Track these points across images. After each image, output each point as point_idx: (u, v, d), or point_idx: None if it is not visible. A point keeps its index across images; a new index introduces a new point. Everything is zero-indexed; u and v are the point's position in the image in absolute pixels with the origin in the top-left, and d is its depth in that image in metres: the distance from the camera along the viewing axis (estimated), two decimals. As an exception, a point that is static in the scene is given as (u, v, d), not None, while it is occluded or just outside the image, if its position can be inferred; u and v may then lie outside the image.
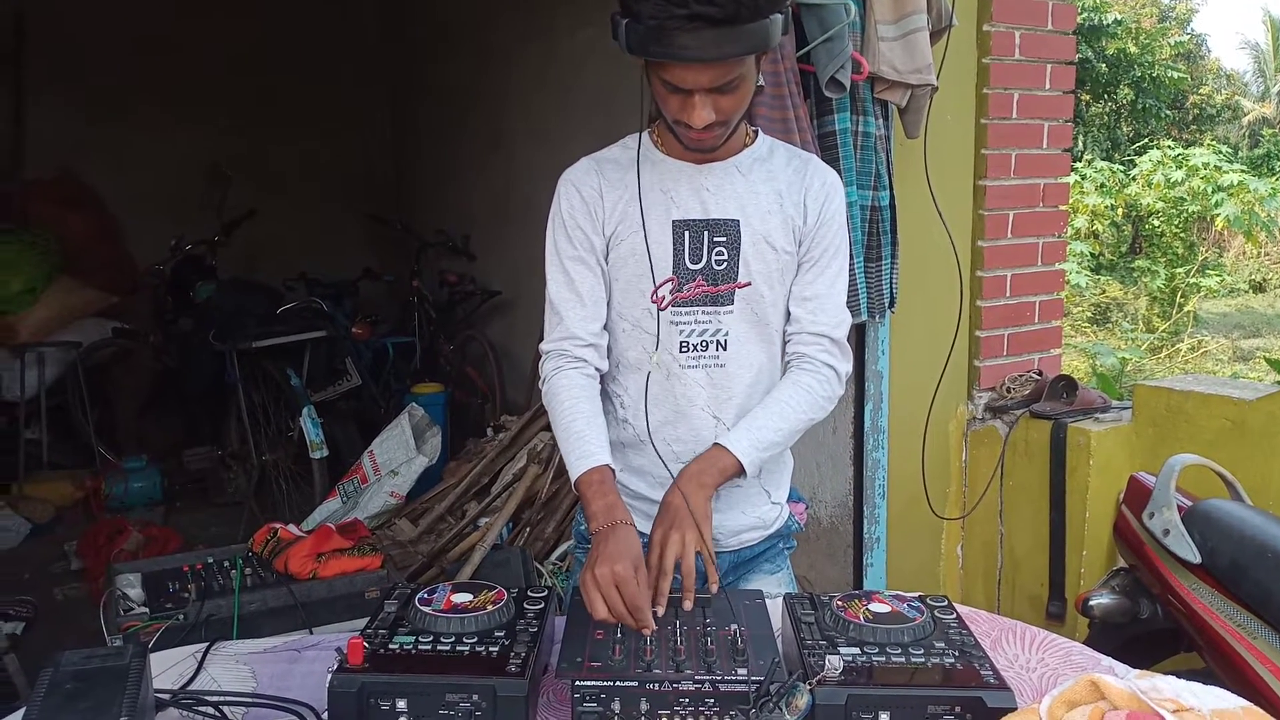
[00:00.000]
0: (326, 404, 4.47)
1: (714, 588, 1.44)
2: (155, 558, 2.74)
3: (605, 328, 1.62)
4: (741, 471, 1.55)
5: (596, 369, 1.62)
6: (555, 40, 4.34)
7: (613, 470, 1.52)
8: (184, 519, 4.41)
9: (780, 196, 1.59)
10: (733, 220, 1.57)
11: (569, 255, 1.60)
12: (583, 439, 1.53)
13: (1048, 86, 3.07)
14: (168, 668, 1.41)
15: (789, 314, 1.65)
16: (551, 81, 4.45)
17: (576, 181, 1.61)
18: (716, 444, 1.56)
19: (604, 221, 1.59)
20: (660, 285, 1.57)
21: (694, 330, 1.59)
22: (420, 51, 6.05)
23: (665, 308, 1.58)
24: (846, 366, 1.66)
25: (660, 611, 1.39)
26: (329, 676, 1.20)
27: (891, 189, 2.53)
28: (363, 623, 1.35)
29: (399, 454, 3.92)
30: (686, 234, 1.56)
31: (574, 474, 1.52)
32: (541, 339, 1.66)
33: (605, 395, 1.69)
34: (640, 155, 1.59)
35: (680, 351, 1.59)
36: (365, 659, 1.22)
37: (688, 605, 1.41)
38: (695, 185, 1.58)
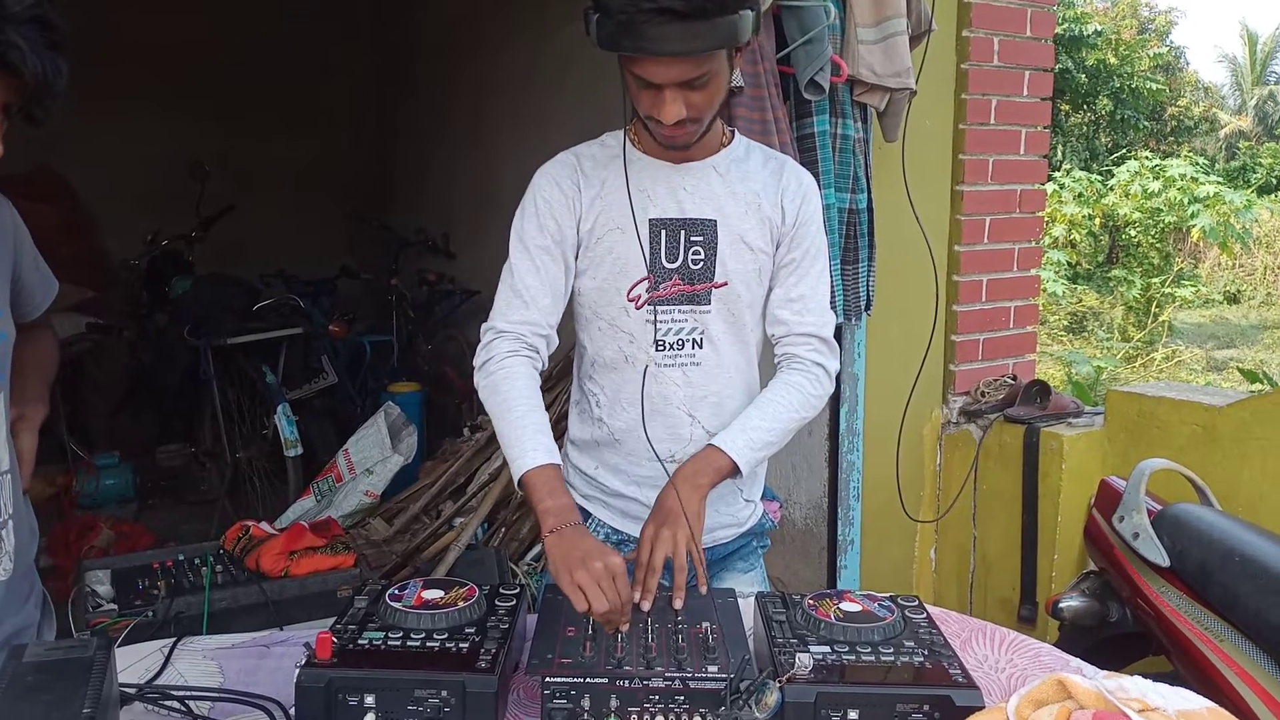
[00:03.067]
0: (302, 402, 4.43)
1: (703, 589, 1.44)
2: (125, 554, 2.72)
3: (557, 323, 1.60)
4: (736, 471, 1.54)
5: (544, 361, 1.60)
6: (540, 38, 4.33)
7: (560, 468, 1.49)
8: (156, 517, 4.36)
9: (758, 197, 1.59)
10: (710, 220, 1.57)
11: (538, 244, 1.57)
12: (541, 431, 1.49)
13: (1025, 93, 3.09)
14: (134, 662, 1.39)
15: (774, 316, 1.65)
16: (535, 80, 4.44)
17: (555, 175, 1.59)
18: (711, 445, 1.54)
19: (580, 218, 1.58)
20: (636, 284, 1.57)
21: (670, 329, 1.59)
22: (403, 49, 6.03)
23: (641, 306, 1.58)
24: (835, 364, 1.67)
25: (646, 607, 1.39)
26: (297, 671, 1.19)
27: (869, 192, 2.53)
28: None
29: (374, 453, 3.90)
30: (663, 233, 1.56)
31: (524, 464, 1.46)
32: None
33: (581, 393, 1.70)
34: (619, 153, 1.58)
35: (656, 350, 1.59)
36: (334, 654, 1.21)
37: (678, 604, 1.41)
38: (672, 184, 1.57)
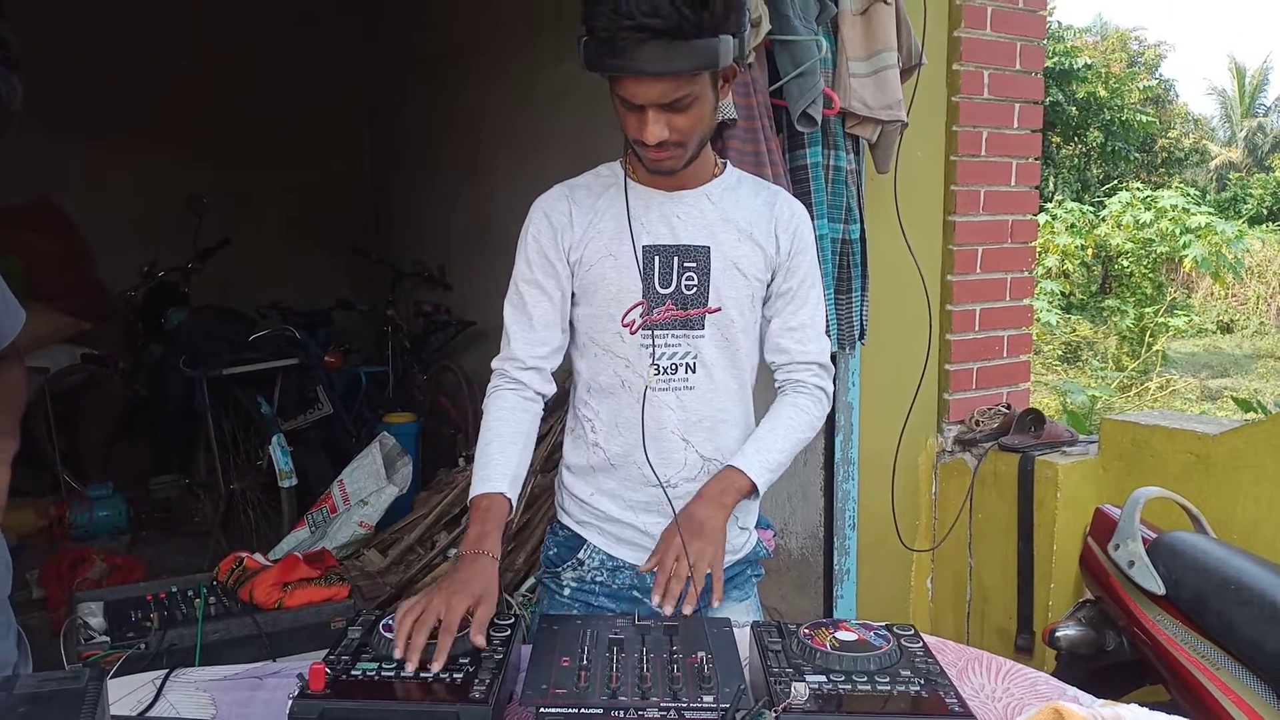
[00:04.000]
0: (297, 433, 4.43)
1: (716, 602, 1.48)
2: (118, 586, 2.70)
3: (556, 351, 1.65)
4: (754, 491, 1.60)
5: (538, 392, 1.65)
6: (535, 74, 4.37)
7: (509, 501, 1.52)
8: (149, 549, 4.33)
9: (750, 225, 1.63)
10: (703, 246, 1.60)
11: (525, 278, 1.63)
12: (490, 463, 1.55)
13: (1016, 125, 3.12)
14: (126, 694, 1.38)
15: (776, 345, 1.70)
16: (530, 115, 4.48)
17: (547, 208, 1.63)
18: (731, 466, 1.60)
19: (572, 246, 1.61)
20: (630, 309, 1.60)
21: (664, 353, 1.61)
22: (398, 82, 6.07)
23: (636, 331, 1.60)
24: (831, 387, 1.73)
25: (668, 610, 1.44)
26: (290, 703, 1.18)
27: (862, 222, 2.55)
28: (327, 653, 1.33)
29: (369, 483, 3.89)
30: (657, 259, 1.59)
31: (471, 493, 1.54)
32: None
33: (575, 419, 1.72)
34: (613, 182, 1.63)
35: (651, 374, 1.61)
36: (327, 685, 1.20)
37: (689, 610, 1.44)
38: (665, 211, 1.61)
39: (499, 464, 1.55)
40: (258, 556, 2.66)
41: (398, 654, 1.27)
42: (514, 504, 1.54)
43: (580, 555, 1.71)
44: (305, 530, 3.82)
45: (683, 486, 1.65)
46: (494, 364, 1.66)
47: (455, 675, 1.24)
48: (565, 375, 1.76)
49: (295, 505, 3.96)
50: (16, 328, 1.52)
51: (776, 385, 1.73)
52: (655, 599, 1.45)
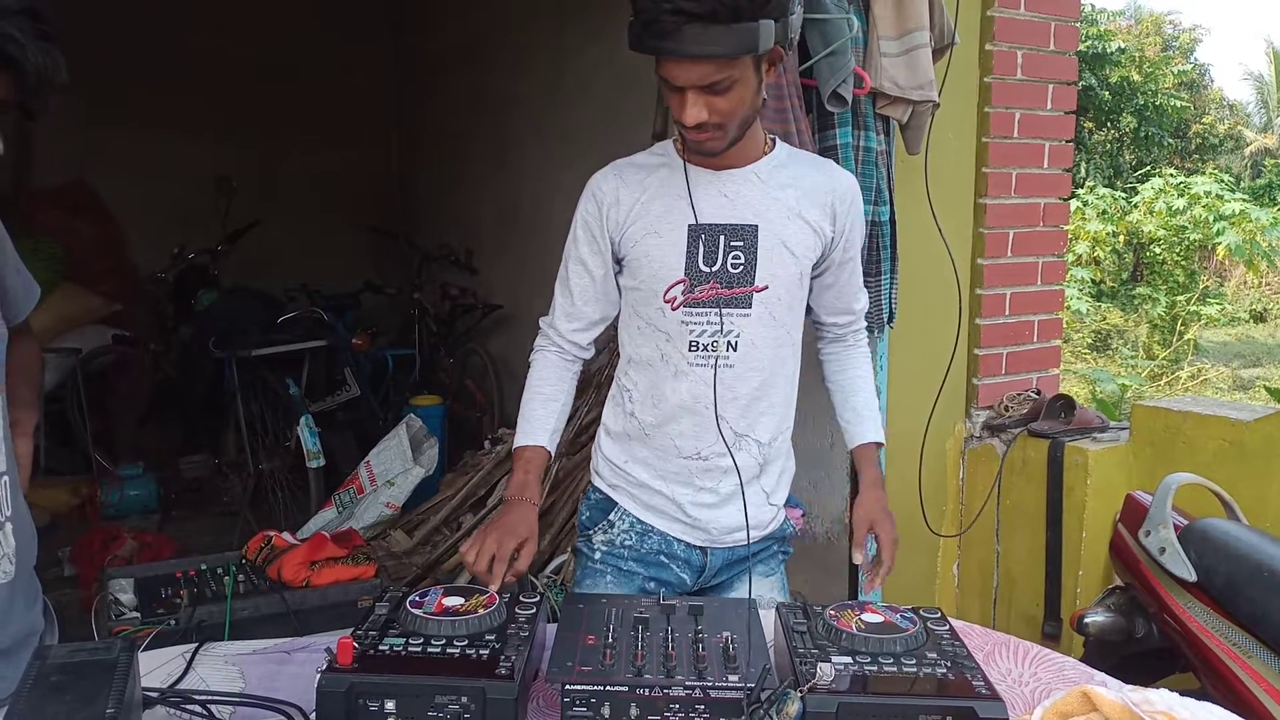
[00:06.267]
0: (325, 414, 4.47)
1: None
2: (148, 563, 2.73)
3: (594, 324, 1.74)
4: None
5: (578, 356, 1.77)
6: (563, 57, 4.36)
7: (549, 453, 1.70)
8: (179, 528, 4.38)
9: (799, 203, 1.64)
10: (751, 225, 1.62)
11: (572, 255, 1.71)
12: (532, 417, 1.71)
13: (1049, 107, 3.08)
14: (157, 667, 1.40)
15: (845, 308, 1.79)
16: (558, 98, 4.47)
17: (595, 186, 1.68)
18: (875, 443, 1.81)
19: (619, 223, 1.65)
20: (672, 285, 1.62)
21: (705, 330, 1.63)
22: (428, 67, 6.08)
23: (677, 308, 1.62)
24: None
25: (877, 583, 1.70)
26: (318, 676, 1.19)
27: (892, 204, 2.53)
28: (355, 631, 1.34)
29: (396, 465, 3.92)
30: (702, 237, 1.61)
31: (515, 444, 1.71)
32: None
33: (617, 387, 1.76)
34: (665, 161, 1.66)
35: (689, 350, 1.64)
36: (355, 659, 1.21)
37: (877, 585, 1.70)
38: (714, 190, 1.62)
39: (540, 418, 1.70)
40: (286, 535, 2.68)
41: (480, 572, 1.52)
42: (552, 455, 1.71)
43: (611, 517, 1.75)
44: (333, 510, 3.85)
45: (714, 460, 1.67)
46: (540, 322, 1.77)
47: (481, 652, 1.25)
48: (612, 338, 1.82)
49: (323, 486, 3.99)
50: (32, 304, 1.55)
51: (833, 336, 1.83)
52: (869, 586, 1.68)
